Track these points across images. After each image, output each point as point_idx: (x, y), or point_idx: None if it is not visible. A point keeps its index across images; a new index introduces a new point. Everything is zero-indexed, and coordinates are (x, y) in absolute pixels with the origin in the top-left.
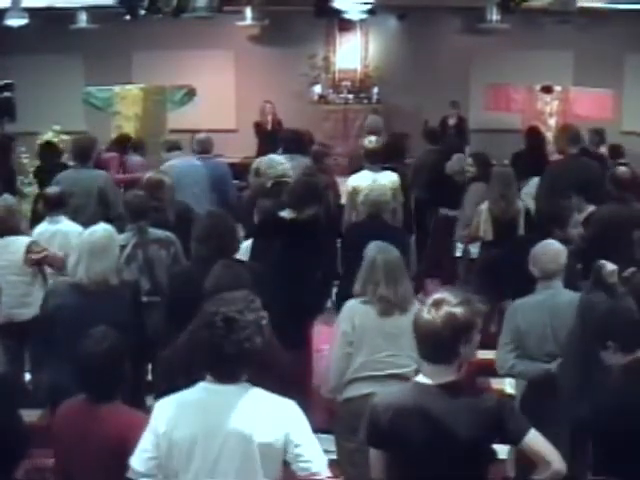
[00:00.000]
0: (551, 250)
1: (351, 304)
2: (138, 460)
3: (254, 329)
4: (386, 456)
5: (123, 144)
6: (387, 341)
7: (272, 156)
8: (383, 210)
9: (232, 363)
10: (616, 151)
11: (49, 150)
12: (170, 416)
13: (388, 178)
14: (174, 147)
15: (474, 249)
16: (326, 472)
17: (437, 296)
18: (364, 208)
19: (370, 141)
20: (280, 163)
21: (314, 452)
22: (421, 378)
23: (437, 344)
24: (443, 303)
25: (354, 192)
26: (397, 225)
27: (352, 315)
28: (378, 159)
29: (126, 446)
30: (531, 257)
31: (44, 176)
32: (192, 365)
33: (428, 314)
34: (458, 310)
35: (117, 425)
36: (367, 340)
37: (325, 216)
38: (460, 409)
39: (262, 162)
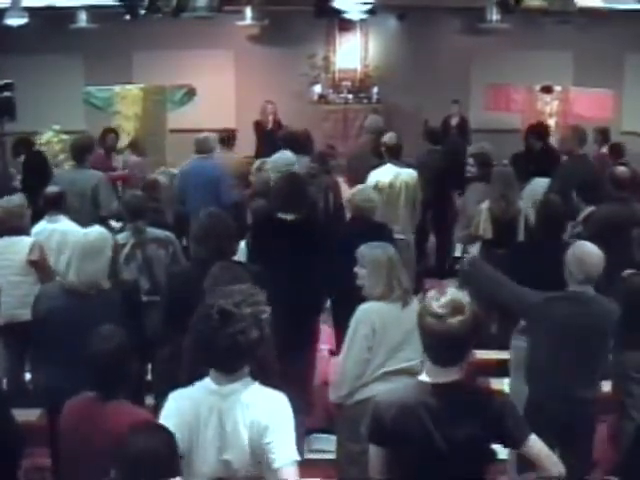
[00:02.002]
0: (596, 255)
1: (367, 307)
2: None
3: (250, 322)
4: (387, 454)
5: (104, 137)
6: (404, 336)
7: (283, 154)
8: (368, 213)
9: (225, 356)
10: (616, 150)
11: (22, 143)
12: (181, 413)
13: (409, 174)
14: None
15: (473, 250)
16: (291, 472)
17: (451, 298)
18: (349, 206)
19: (390, 137)
20: (289, 163)
21: (284, 450)
22: (424, 377)
23: (456, 347)
24: (463, 306)
25: (376, 187)
26: (384, 222)
27: (372, 318)
28: (399, 154)
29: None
30: (575, 259)
31: (25, 168)
32: (196, 364)
33: (452, 318)
34: (476, 312)
35: (121, 422)
36: (386, 341)
37: (325, 216)
38: (462, 408)
39: (271, 160)
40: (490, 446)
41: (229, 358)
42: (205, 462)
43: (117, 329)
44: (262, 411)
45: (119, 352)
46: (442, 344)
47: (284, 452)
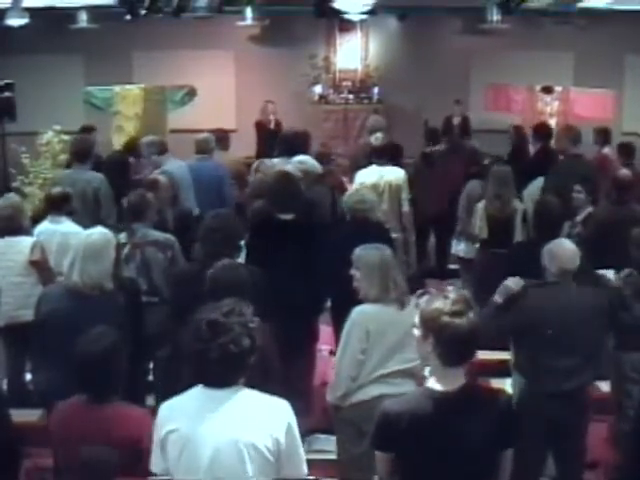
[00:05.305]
0: (570, 250)
1: (361, 310)
2: (154, 463)
3: (239, 331)
4: (397, 462)
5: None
6: (403, 337)
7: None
8: (364, 213)
9: (218, 367)
10: (624, 150)
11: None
12: (170, 420)
13: (394, 174)
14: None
15: (459, 246)
16: (305, 476)
17: (458, 294)
18: (345, 208)
19: (377, 138)
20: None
21: (298, 457)
22: (432, 384)
23: (475, 341)
24: (469, 300)
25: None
26: (382, 222)
27: (366, 321)
28: (385, 155)
29: (140, 445)
30: (549, 255)
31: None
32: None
33: (470, 312)
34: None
35: (127, 425)
36: (382, 343)
37: (332, 216)
38: (475, 415)
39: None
40: (501, 450)
41: (221, 370)
42: (197, 475)
43: (108, 331)
44: (267, 425)
45: (107, 353)
46: (466, 339)
47: (300, 462)
